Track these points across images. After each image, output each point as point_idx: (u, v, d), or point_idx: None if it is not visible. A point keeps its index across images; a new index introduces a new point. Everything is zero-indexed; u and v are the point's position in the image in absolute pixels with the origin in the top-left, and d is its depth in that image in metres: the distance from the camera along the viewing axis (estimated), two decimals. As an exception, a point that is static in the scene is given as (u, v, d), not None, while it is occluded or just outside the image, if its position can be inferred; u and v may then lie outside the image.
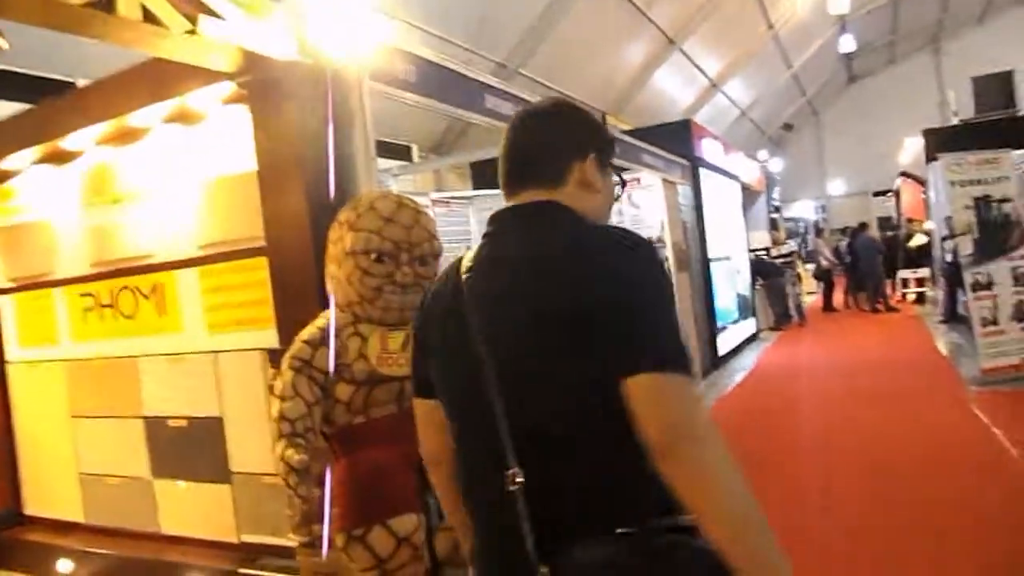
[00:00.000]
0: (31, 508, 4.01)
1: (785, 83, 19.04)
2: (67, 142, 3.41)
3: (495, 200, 8.03)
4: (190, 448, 3.26)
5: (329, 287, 2.24)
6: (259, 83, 2.70)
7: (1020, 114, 10.12)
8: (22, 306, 3.92)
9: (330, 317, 2.05)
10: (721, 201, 9.97)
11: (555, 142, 1.30)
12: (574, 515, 1.12)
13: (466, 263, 1.26)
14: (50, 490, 3.90)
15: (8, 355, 4.02)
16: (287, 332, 2.53)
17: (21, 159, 3.66)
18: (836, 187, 24.14)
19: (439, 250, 2.27)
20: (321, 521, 2.61)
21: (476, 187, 9.93)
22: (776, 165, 20.88)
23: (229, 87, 2.84)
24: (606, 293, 1.10)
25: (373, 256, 2.10)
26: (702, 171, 9.05)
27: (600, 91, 11.86)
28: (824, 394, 6.83)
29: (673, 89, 14.21)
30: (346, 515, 2.14)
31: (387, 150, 9.47)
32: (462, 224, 8.31)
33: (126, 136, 3.33)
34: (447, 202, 8.23)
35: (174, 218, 3.19)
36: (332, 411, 2.16)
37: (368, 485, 2.11)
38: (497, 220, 1.30)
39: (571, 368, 1.11)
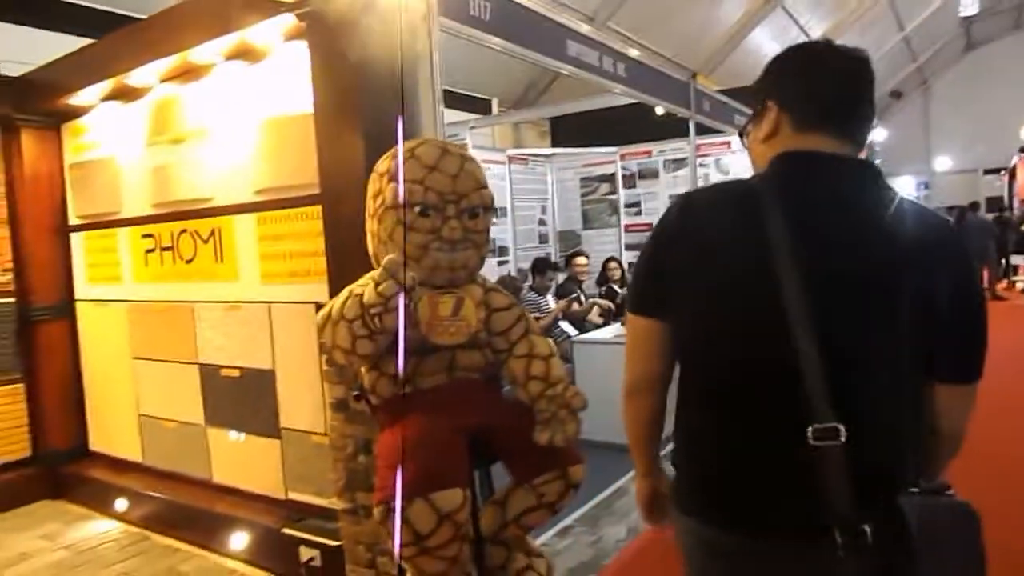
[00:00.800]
0: (95, 444, 4.07)
1: (895, 47, 17.60)
2: (132, 78, 3.31)
3: (574, 158, 7.74)
4: (242, 399, 3.17)
5: (370, 246, 2.03)
6: (319, 15, 2.48)
7: None
8: (90, 245, 3.91)
9: (395, 286, 1.79)
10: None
11: (872, 105, 1.29)
12: (883, 477, 1.13)
13: (768, 190, 1.18)
14: (112, 428, 3.93)
15: (78, 293, 4.05)
16: (339, 287, 2.36)
17: (90, 94, 3.59)
18: (942, 163, 22.40)
19: (490, 201, 2.01)
20: (365, 488, 2.47)
21: (555, 145, 9.60)
22: (879, 135, 19.50)
23: (290, 20, 2.65)
24: (970, 296, 1.18)
25: (417, 210, 1.86)
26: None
27: (691, 49, 11.18)
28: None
29: (771, 51, 12.80)
30: (385, 486, 1.95)
31: (466, 102, 9.23)
32: (539, 183, 8.05)
33: (189, 73, 3.20)
34: (525, 159, 7.97)
35: (233, 160, 3.05)
36: (376, 383, 1.97)
37: (411, 455, 1.91)
38: (819, 162, 1.23)
39: (911, 344, 1.14)
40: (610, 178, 7.88)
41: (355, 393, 2.12)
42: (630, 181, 7.76)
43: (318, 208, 2.65)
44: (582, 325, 5.58)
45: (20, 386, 3.96)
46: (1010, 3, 18.43)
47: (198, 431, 3.40)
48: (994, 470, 4.05)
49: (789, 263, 1.10)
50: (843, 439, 1.06)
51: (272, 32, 2.79)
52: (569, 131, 8.80)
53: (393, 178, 1.88)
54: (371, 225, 1.99)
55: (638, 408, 1.36)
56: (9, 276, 3.93)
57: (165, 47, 3.06)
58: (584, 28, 3.76)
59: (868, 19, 14.69)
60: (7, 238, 3.92)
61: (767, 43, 13.04)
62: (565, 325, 5.51)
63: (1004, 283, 12.20)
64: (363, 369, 2.02)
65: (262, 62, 2.92)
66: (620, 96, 4.52)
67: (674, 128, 6.60)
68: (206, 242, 3.24)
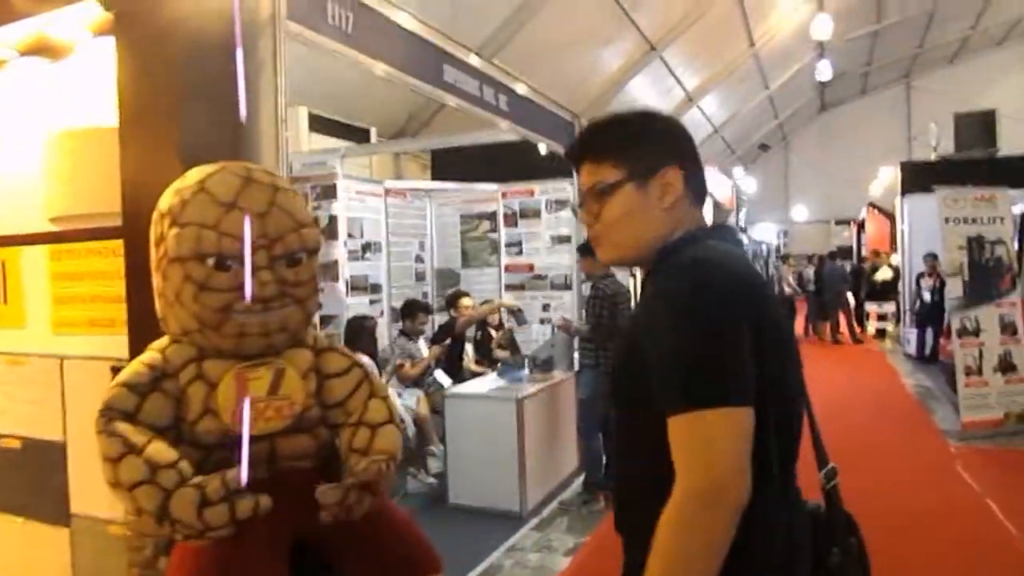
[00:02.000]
0: None
1: (760, 104, 18.78)
2: None
3: (455, 194, 7.36)
4: (23, 477, 2.53)
5: (157, 306, 1.56)
6: (132, 5, 2.00)
7: (1000, 154, 9.86)
8: None
9: (165, 349, 1.36)
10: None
11: None
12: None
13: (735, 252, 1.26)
14: None
15: None
16: (142, 340, 1.86)
17: None
18: (799, 213, 24.12)
19: (315, 243, 1.59)
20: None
21: (436, 178, 9.25)
22: (749, 185, 20.68)
23: (98, 11, 2.15)
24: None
25: (210, 262, 1.42)
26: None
27: (575, 92, 11.24)
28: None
29: (648, 99, 13.66)
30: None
31: (342, 130, 8.73)
32: (417, 217, 7.66)
33: (-28, 68, 2.58)
34: (403, 192, 7.57)
35: (23, 180, 2.45)
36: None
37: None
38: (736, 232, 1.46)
39: None
40: (491, 216, 7.61)
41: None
42: (512, 220, 7.51)
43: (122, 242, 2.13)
44: (459, 374, 5.18)
45: None
46: (858, 71, 20.19)
47: (-34, 515, 2.69)
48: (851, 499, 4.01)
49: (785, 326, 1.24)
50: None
51: (78, 24, 2.26)
52: (451, 165, 8.49)
53: (176, 221, 1.42)
54: (156, 280, 1.51)
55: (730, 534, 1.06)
56: None
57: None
58: (473, 59, 3.44)
59: (737, 76, 15.54)
60: None
61: (646, 91, 13.45)
62: (439, 374, 5.09)
63: (859, 328, 12.93)
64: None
65: (64, 59, 2.37)
66: (504, 132, 4.24)
67: (557, 168, 6.44)
68: (-14, 278, 2.60)
